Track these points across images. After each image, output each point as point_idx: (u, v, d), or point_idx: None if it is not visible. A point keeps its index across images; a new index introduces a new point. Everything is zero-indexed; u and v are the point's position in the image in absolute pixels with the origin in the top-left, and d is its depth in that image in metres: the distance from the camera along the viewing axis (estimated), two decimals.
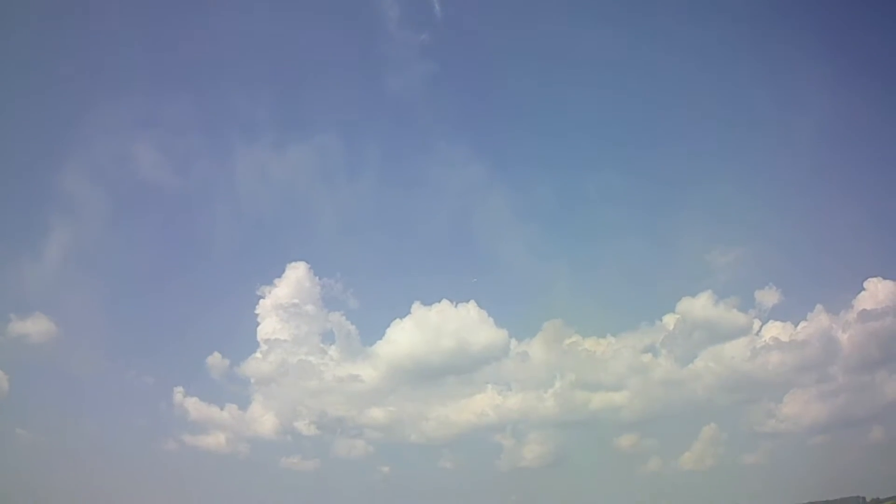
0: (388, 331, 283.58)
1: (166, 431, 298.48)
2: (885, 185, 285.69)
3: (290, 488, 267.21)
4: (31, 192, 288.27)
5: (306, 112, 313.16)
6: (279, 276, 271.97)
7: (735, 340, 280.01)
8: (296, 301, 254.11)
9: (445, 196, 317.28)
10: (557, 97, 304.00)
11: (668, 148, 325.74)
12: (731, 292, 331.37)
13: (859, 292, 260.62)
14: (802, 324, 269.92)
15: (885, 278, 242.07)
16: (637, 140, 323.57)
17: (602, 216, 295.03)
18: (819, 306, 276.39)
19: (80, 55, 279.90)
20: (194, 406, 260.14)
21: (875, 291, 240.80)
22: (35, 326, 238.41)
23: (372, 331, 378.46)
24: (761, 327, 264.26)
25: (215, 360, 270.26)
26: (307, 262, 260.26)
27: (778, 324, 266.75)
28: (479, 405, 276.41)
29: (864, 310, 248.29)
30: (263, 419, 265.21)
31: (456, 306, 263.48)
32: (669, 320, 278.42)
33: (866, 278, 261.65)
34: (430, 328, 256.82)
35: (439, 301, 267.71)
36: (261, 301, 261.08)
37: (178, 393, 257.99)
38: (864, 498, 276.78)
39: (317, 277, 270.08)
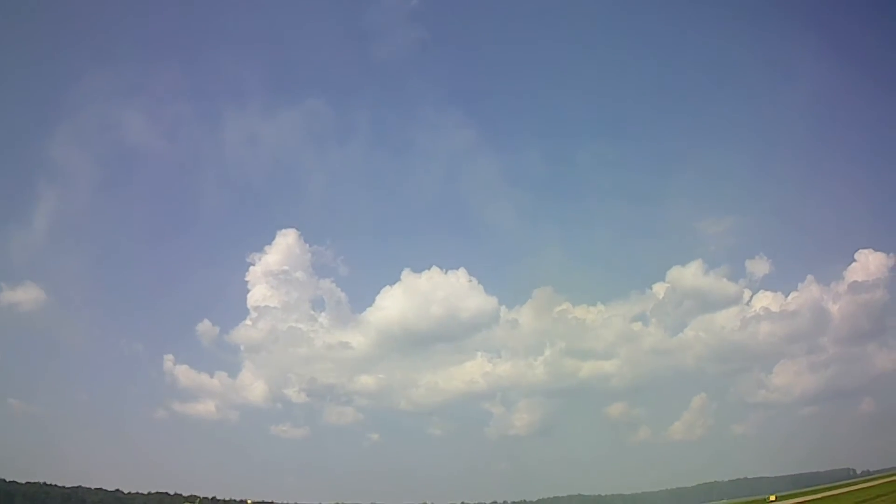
0: (378, 298, 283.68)
1: (156, 399, 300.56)
2: (878, 158, 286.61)
3: (279, 455, 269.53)
4: (20, 160, 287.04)
5: (295, 78, 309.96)
6: (269, 244, 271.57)
7: (725, 310, 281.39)
8: (286, 268, 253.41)
9: (435, 162, 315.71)
10: (547, 63, 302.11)
11: (660, 117, 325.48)
12: (722, 261, 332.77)
13: (850, 264, 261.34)
14: (793, 294, 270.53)
15: (876, 250, 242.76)
16: (628, 108, 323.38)
17: (592, 184, 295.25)
18: (810, 277, 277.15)
19: (67, 23, 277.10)
20: (184, 373, 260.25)
21: (866, 263, 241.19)
22: (25, 295, 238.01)
23: (362, 298, 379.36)
24: (751, 297, 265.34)
25: (205, 327, 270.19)
26: (297, 230, 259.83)
27: (768, 294, 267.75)
28: (469, 372, 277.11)
29: (855, 281, 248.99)
30: (253, 386, 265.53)
31: (446, 273, 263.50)
32: (659, 289, 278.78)
33: (857, 250, 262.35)
34: (419, 295, 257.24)
35: (429, 268, 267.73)
36: (251, 268, 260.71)
37: (168, 360, 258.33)
38: (854, 470, 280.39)
39: (307, 244, 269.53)
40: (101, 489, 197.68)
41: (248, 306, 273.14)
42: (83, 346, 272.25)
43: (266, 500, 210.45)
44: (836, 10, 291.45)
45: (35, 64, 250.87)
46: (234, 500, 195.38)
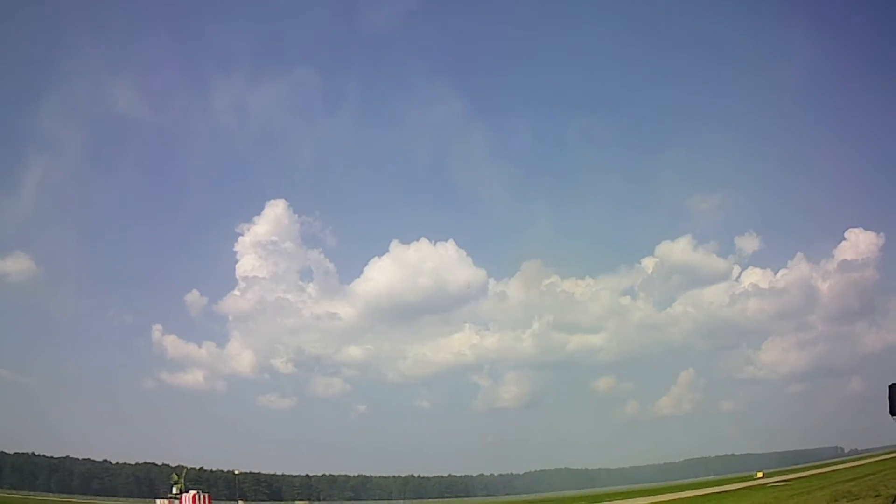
0: (367, 269, 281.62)
1: (145, 370, 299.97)
2: (870, 136, 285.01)
3: (266, 426, 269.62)
4: (8, 130, 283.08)
5: (283, 47, 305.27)
6: (258, 214, 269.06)
7: (714, 286, 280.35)
8: (274, 238, 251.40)
9: (424, 134, 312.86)
10: (538, 36, 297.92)
11: (651, 92, 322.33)
12: (711, 237, 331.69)
13: (840, 242, 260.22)
14: (782, 271, 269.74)
15: (866, 229, 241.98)
16: (619, 83, 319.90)
17: (582, 157, 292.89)
18: (799, 254, 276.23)
19: None
20: (172, 344, 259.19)
21: (856, 242, 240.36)
22: (15, 265, 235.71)
23: (350, 269, 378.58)
24: (741, 273, 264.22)
25: (194, 297, 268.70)
26: (286, 200, 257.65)
27: (757, 270, 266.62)
28: (457, 344, 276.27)
29: (845, 260, 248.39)
30: (241, 357, 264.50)
31: (434, 245, 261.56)
32: (648, 263, 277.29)
33: (848, 228, 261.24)
34: (408, 266, 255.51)
35: (418, 239, 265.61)
36: (240, 238, 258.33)
37: (157, 330, 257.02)
38: (842, 448, 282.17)
39: (296, 215, 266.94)
40: (88, 459, 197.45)
41: (237, 277, 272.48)
42: (72, 316, 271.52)
43: (253, 470, 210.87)
44: None
45: (22, 34, 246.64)
46: (222, 471, 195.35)
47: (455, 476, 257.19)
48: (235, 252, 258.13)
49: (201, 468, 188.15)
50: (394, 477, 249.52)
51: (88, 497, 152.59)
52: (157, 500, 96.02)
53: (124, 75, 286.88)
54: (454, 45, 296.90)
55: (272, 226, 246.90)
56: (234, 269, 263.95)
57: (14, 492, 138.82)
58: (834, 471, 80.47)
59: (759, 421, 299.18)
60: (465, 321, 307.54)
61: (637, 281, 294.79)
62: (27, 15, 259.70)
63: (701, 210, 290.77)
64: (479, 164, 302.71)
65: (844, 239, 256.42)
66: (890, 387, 20.84)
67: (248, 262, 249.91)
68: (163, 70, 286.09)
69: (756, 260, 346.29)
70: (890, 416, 20.90)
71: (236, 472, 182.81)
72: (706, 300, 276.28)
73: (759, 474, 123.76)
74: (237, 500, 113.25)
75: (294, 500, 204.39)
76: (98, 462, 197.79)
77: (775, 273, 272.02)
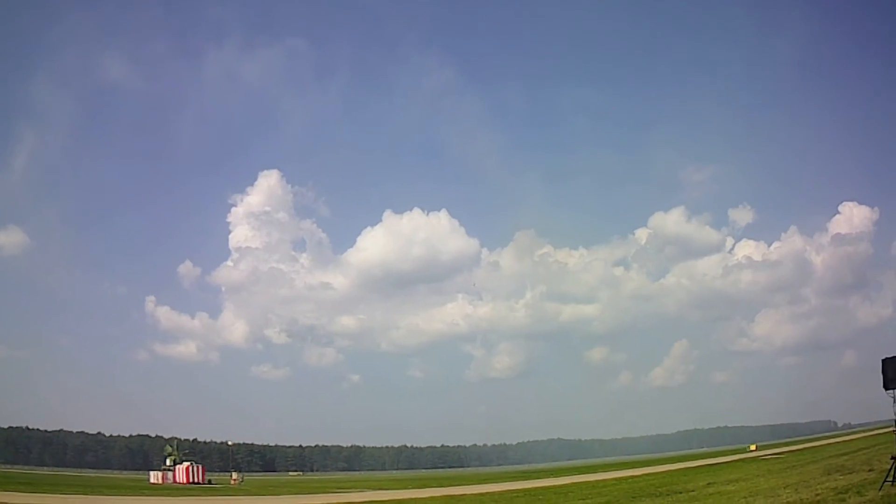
0: (359, 239, 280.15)
1: (138, 341, 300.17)
2: (865, 111, 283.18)
3: (260, 397, 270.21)
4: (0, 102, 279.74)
5: (275, 17, 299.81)
6: (251, 185, 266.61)
7: (707, 257, 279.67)
8: (268, 209, 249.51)
9: (417, 104, 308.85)
10: (532, 6, 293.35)
11: (645, 62, 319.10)
12: (704, 209, 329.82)
13: (834, 216, 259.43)
14: (776, 244, 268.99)
15: (860, 203, 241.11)
16: (613, 53, 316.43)
17: (575, 128, 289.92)
18: (793, 227, 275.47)
19: None
20: (165, 315, 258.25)
21: (850, 216, 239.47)
22: (7, 238, 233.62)
23: (343, 239, 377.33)
24: (734, 245, 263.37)
25: (187, 268, 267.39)
26: (280, 170, 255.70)
27: (751, 242, 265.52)
28: (450, 314, 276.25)
29: (839, 234, 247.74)
30: (234, 327, 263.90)
31: (427, 215, 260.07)
32: (641, 234, 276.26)
33: (842, 202, 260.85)
34: (401, 236, 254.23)
35: (410, 209, 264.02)
36: (233, 209, 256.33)
37: (150, 302, 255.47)
38: (835, 422, 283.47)
39: (289, 185, 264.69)
40: (82, 432, 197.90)
41: (230, 247, 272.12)
42: (65, 289, 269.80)
43: (246, 441, 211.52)
44: None
45: (12, 4, 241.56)
46: (215, 442, 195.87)
47: (448, 446, 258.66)
48: (228, 223, 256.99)
49: (195, 439, 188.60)
50: (387, 447, 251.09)
51: (82, 470, 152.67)
52: (151, 472, 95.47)
53: (116, 46, 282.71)
54: (447, 14, 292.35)
55: (265, 196, 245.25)
56: (227, 240, 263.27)
57: (8, 466, 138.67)
58: (827, 444, 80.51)
59: (753, 393, 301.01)
60: (458, 291, 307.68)
61: (630, 252, 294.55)
62: None
63: (694, 182, 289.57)
64: (472, 134, 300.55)
65: (838, 213, 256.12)
66: (883, 361, 20.52)
67: (241, 233, 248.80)
68: (154, 40, 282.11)
69: (749, 232, 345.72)
70: (883, 390, 20.58)
71: (229, 443, 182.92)
72: (699, 272, 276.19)
73: (752, 447, 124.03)
74: (231, 472, 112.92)
75: (287, 471, 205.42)
76: (92, 435, 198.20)
77: (769, 245, 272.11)
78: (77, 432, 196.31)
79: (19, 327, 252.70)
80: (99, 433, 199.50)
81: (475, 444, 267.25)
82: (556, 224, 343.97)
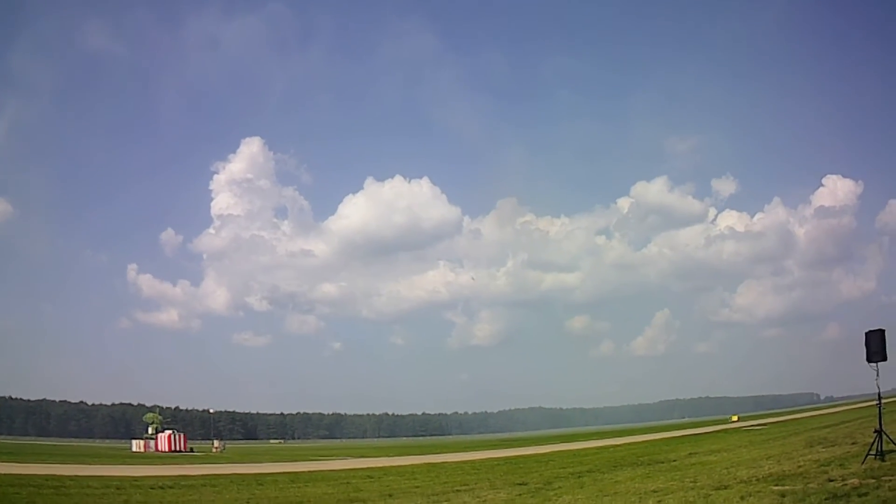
0: (341, 206, 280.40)
1: (120, 309, 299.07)
2: (850, 84, 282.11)
3: (242, 364, 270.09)
4: None
5: None
6: (234, 152, 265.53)
7: (690, 227, 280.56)
8: (250, 176, 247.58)
9: (398, 71, 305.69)
10: None
11: (628, 31, 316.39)
12: (687, 179, 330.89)
13: (817, 188, 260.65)
14: (759, 215, 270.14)
15: (844, 176, 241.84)
16: (597, 22, 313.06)
17: (557, 96, 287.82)
18: (776, 199, 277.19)
19: None
20: (147, 283, 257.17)
21: (834, 189, 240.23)
22: None
23: (325, 206, 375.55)
24: (717, 216, 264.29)
25: (168, 236, 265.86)
26: (262, 137, 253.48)
27: (734, 213, 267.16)
28: (431, 282, 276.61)
29: (822, 206, 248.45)
30: (216, 295, 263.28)
31: (409, 182, 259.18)
32: (623, 203, 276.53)
33: (825, 175, 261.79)
34: (382, 204, 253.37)
35: (392, 177, 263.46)
36: (215, 176, 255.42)
37: (132, 270, 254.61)
38: (817, 395, 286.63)
39: (271, 152, 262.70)
40: (65, 401, 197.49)
41: (212, 215, 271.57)
42: (47, 257, 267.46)
43: (228, 409, 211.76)
44: None
45: None
46: (197, 410, 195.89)
47: (429, 414, 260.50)
48: (210, 190, 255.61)
49: (177, 407, 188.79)
50: (368, 415, 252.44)
51: (65, 439, 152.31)
52: (133, 441, 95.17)
53: (96, 13, 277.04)
54: None
55: (247, 163, 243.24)
56: (209, 208, 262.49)
57: None
58: (810, 417, 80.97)
59: (735, 364, 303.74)
60: (439, 258, 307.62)
61: (612, 221, 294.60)
62: None
63: (677, 151, 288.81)
64: (453, 101, 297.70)
65: (822, 185, 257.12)
66: (867, 334, 20.08)
67: (223, 200, 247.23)
68: (135, 7, 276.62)
69: (732, 203, 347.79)
70: (866, 363, 20.20)
71: (211, 411, 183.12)
72: (682, 241, 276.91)
73: (735, 418, 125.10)
74: (212, 440, 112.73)
75: (269, 439, 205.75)
76: (74, 404, 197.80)
77: (752, 217, 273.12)
78: (60, 401, 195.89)
79: (1, 296, 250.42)
80: (81, 402, 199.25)
81: (456, 412, 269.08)
82: (538, 192, 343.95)
